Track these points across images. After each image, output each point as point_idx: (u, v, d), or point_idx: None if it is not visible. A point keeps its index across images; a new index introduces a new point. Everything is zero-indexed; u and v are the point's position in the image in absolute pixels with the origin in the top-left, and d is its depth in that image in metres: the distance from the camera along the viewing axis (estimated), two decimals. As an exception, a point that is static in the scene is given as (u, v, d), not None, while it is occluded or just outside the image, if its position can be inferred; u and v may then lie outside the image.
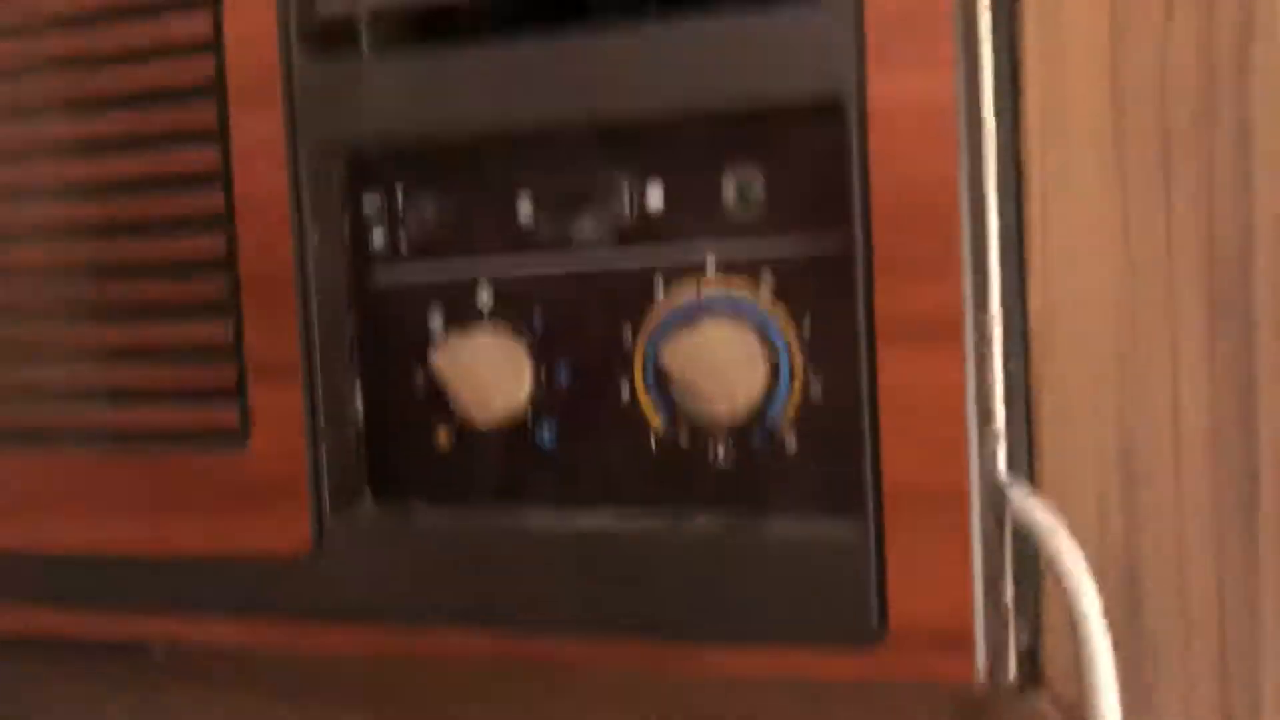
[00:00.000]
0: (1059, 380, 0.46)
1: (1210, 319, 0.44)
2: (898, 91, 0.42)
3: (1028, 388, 0.46)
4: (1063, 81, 0.45)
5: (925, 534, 0.43)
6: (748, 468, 0.47)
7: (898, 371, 0.43)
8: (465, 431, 0.51)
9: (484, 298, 0.51)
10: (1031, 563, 0.47)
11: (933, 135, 0.42)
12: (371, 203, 0.52)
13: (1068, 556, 0.43)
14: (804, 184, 0.45)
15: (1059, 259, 0.46)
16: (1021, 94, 0.45)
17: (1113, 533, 0.46)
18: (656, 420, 0.49)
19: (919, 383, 0.42)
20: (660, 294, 0.48)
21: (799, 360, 0.46)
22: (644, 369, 0.48)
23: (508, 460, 0.51)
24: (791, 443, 0.47)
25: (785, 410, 0.47)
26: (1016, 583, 0.46)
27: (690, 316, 0.47)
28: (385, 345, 0.52)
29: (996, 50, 0.45)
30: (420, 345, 0.52)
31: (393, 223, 0.52)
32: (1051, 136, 0.46)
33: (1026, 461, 0.47)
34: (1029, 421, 0.46)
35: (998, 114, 0.45)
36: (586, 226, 0.49)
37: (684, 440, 0.48)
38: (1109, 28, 0.45)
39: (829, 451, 0.46)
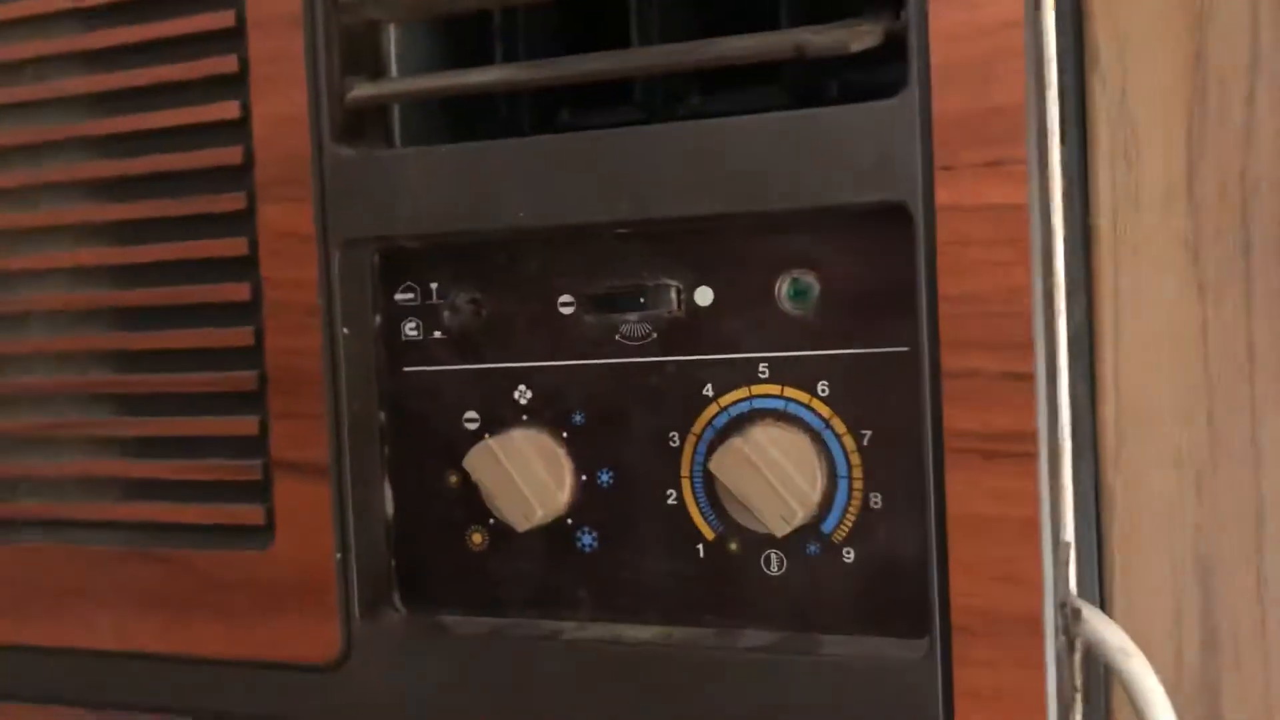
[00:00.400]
0: (1131, 495, 0.44)
1: (1291, 430, 0.42)
2: (968, 195, 0.40)
3: (1097, 503, 0.44)
4: (1136, 184, 0.43)
5: (995, 659, 0.40)
6: (802, 580, 0.45)
7: (967, 489, 0.40)
8: (500, 534, 0.49)
9: (522, 396, 0.48)
10: (1097, 683, 0.44)
11: (1005, 241, 0.40)
12: (405, 297, 0.50)
13: (1145, 683, 0.40)
14: (864, 287, 0.43)
15: (1132, 367, 0.44)
16: (1092, 197, 0.43)
17: (1190, 654, 0.43)
18: (705, 527, 0.46)
19: (989, 501, 0.40)
20: (710, 395, 0.46)
21: (857, 470, 0.44)
22: (691, 474, 0.46)
23: (546, 565, 0.49)
24: (849, 555, 0.44)
25: (842, 521, 0.44)
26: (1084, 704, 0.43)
27: (741, 422, 0.45)
28: (417, 443, 0.50)
29: (1066, 151, 0.43)
30: (454, 444, 0.49)
31: (427, 318, 0.50)
32: (1124, 241, 0.44)
33: (1097, 579, 0.44)
34: (1099, 538, 0.44)
35: (1067, 218, 0.43)
36: (632, 325, 0.47)
37: (734, 548, 0.46)
38: (1185, 127, 0.43)
39: (889, 566, 0.44)
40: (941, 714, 0.41)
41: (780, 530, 0.43)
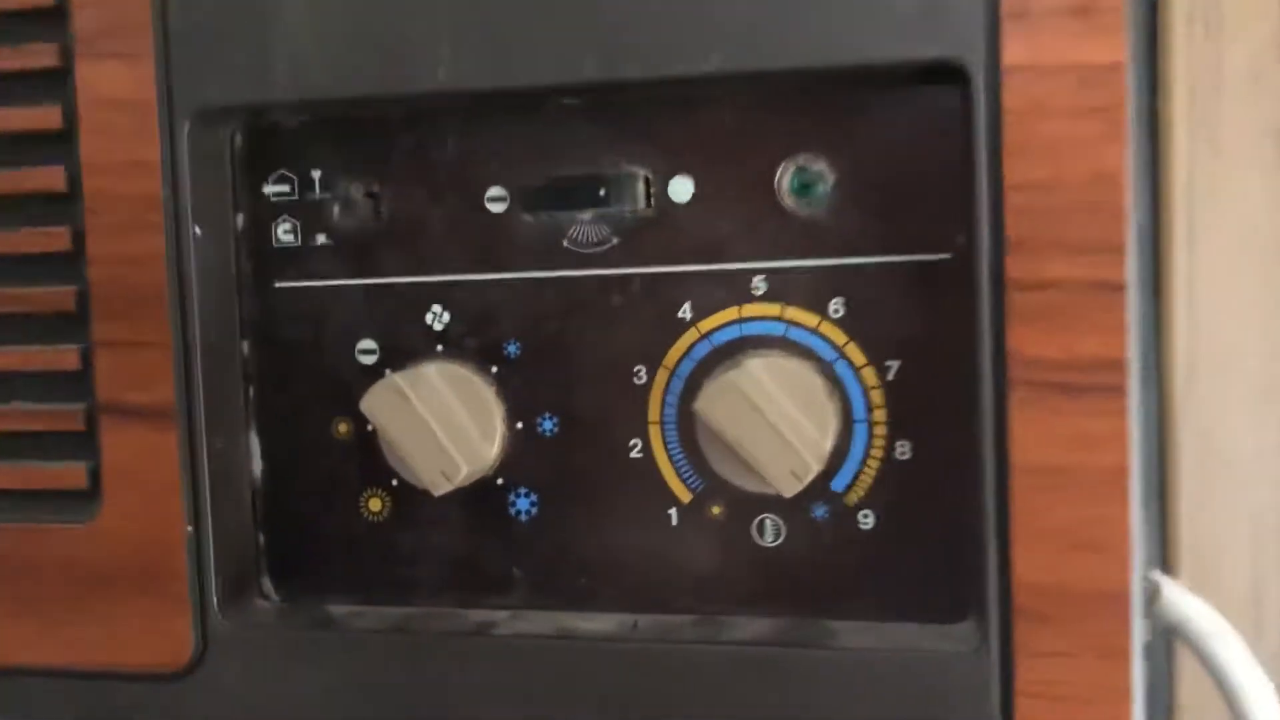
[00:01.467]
0: (1203, 441, 0.36)
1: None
2: (1046, 51, 0.31)
3: (1161, 451, 0.36)
4: (1218, 58, 0.35)
5: (1070, 648, 0.32)
6: (807, 552, 0.35)
7: (1038, 433, 0.31)
8: (407, 499, 0.38)
9: (437, 320, 0.37)
10: (1159, 668, 0.36)
11: (1093, 112, 0.30)
12: (278, 189, 0.38)
13: (1243, 674, 0.32)
14: (894, 177, 0.34)
15: (1207, 284, 0.35)
16: (1162, 74, 0.35)
17: (1273, 633, 0.35)
18: (679, 486, 0.36)
19: (1067, 447, 0.31)
20: (688, 318, 0.35)
21: (880, 411, 0.34)
22: (662, 418, 0.36)
23: (469, 539, 0.38)
24: (866, 519, 0.35)
25: (860, 477, 0.35)
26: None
27: (730, 351, 0.35)
28: (294, 382, 0.39)
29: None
30: (344, 383, 0.38)
31: (307, 217, 0.38)
32: (1200, 129, 0.35)
33: (1159, 544, 0.36)
34: (1162, 493, 0.36)
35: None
36: (585, 227, 0.36)
37: (717, 513, 0.36)
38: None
39: (920, 532, 0.34)
40: (998, 716, 0.32)
41: (790, 489, 0.33)
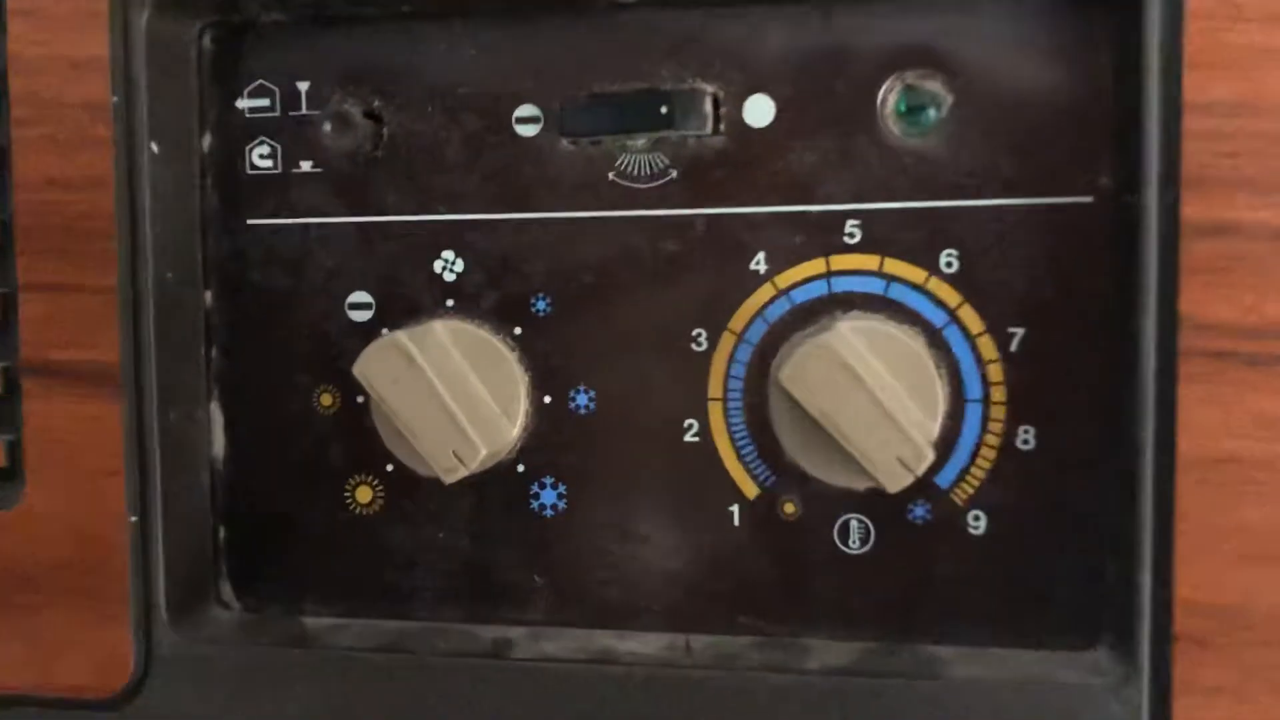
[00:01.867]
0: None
1: None
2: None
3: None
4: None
5: (1242, 685, 0.25)
6: (903, 562, 0.29)
7: (1214, 415, 0.25)
8: (404, 487, 0.31)
9: (449, 269, 0.30)
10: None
11: (1298, 15, 0.24)
12: (256, 103, 0.31)
13: None
14: (1026, 99, 0.27)
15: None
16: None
17: None
18: (744, 478, 0.30)
19: (1252, 433, 0.25)
20: (762, 271, 0.29)
21: (999, 390, 0.28)
22: (726, 394, 0.29)
23: (482, 537, 0.31)
24: (978, 524, 0.28)
25: (971, 470, 0.28)
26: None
27: (814, 313, 0.29)
28: (268, 340, 0.31)
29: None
30: (330, 343, 0.31)
31: (291, 138, 0.31)
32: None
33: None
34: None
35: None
36: (637, 156, 0.29)
37: (790, 512, 0.29)
38: None
39: (1046, 539, 0.28)
40: (1146, 768, 0.26)
41: (896, 483, 0.27)
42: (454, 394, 0.29)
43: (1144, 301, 0.25)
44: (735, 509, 0.30)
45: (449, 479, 0.29)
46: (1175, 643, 0.26)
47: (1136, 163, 0.25)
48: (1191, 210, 0.25)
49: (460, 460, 0.29)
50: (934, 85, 0.28)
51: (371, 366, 0.29)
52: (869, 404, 0.26)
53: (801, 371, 0.27)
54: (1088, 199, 0.27)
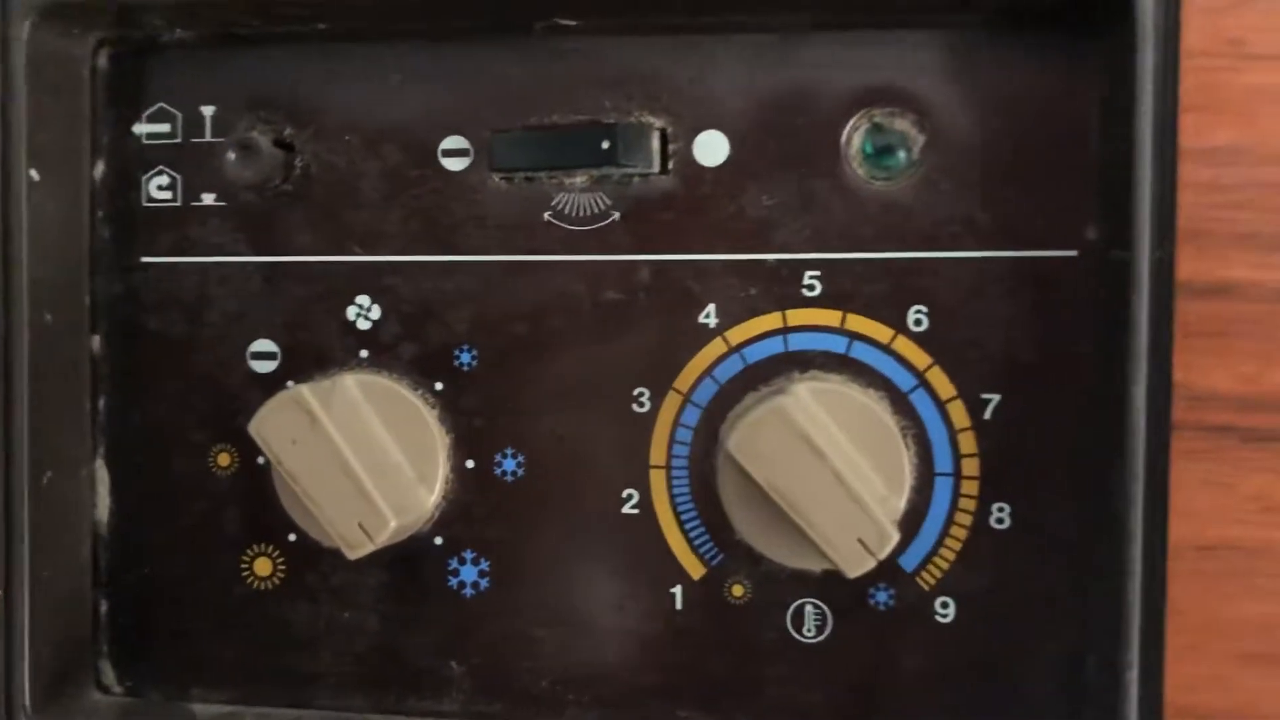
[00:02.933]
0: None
1: None
2: (1240, -31, 0.22)
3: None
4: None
5: (1242, 807, 0.23)
6: (862, 654, 0.26)
7: (1209, 495, 0.22)
8: (307, 561, 0.28)
9: (363, 316, 0.27)
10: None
11: (1304, 56, 0.22)
12: (155, 129, 0.28)
13: None
14: (1007, 141, 0.25)
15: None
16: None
17: None
18: (689, 556, 0.26)
19: (1252, 516, 0.22)
20: (713, 325, 0.26)
21: (972, 463, 0.25)
22: (669, 461, 0.26)
23: (393, 618, 0.28)
24: (947, 610, 0.26)
25: (939, 552, 0.26)
26: None
27: (768, 374, 0.26)
28: (160, 393, 0.28)
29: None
30: (229, 397, 0.28)
31: (191, 167, 0.28)
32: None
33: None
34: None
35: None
36: (576, 195, 0.26)
37: (739, 595, 0.26)
38: None
39: (1020, 630, 0.25)
40: None
41: (856, 567, 0.24)
42: (362, 458, 0.26)
43: (1134, 368, 0.23)
44: (678, 590, 0.26)
45: (353, 555, 0.25)
46: (1167, 754, 0.23)
47: (1127, 214, 0.23)
48: (1187, 268, 0.22)
49: (367, 534, 0.25)
50: (903, 124, 0.25)
51: (269, 425, 0.26)
52: (827, 478, 0.24)
53: (752, 440, 0.24)
54: (1072, 253, 0.25)
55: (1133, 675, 0.23)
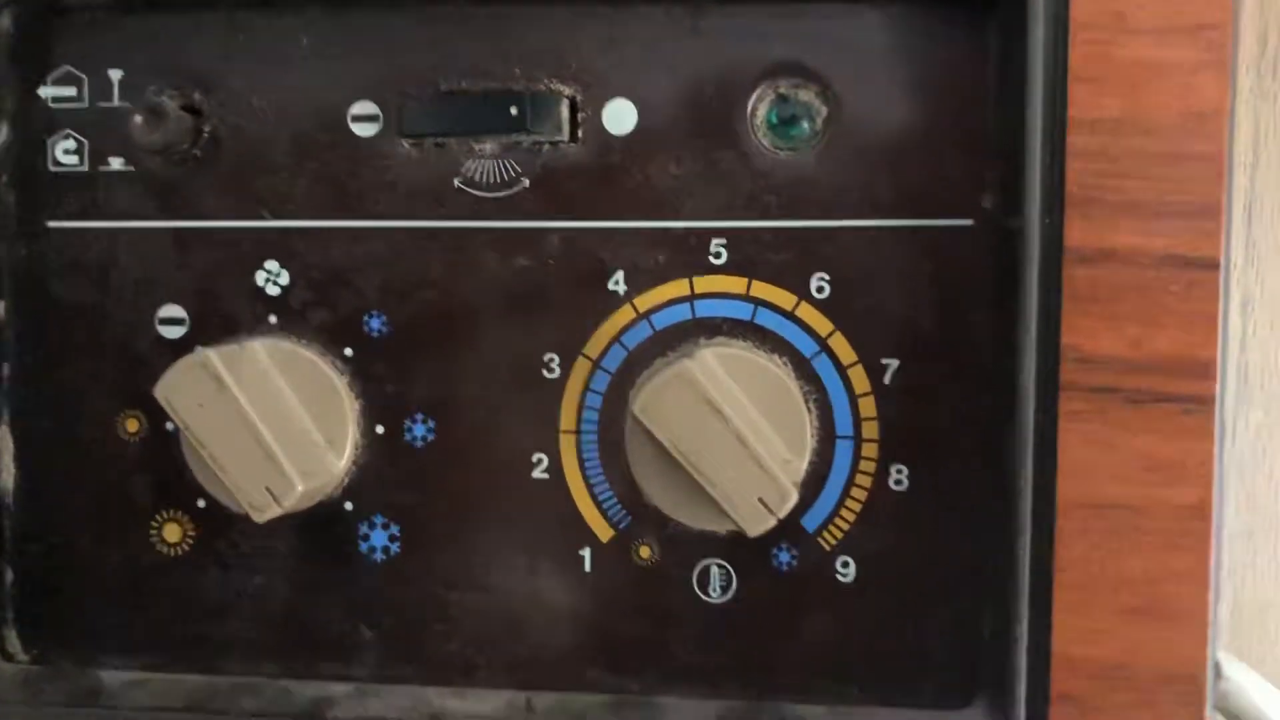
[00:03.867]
0: (1246, 480, 0.28)
1: None
2: None
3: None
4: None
5: (1123, 753, 0.23)
6: (768, 611, 0.26)
7: (1096, 456, 0.23)
8: (217, 527, 0.28)
9: (272, 281, 0.27)
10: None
11: (1189, 31, 0.23)
12: (61, 91, 0.28)
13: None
14: (904, 116, 0.25)
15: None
16: None
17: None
18: (598, 519, 0.27)
19: (1136, 476, 0.23)
20: (621, 292, 0.26)
21: (871, 426, 0.26)
22: (580, 425, 0.27)
23: (302, 583, 0.28)
24: (848, 570, 0.26)
25: (840, 513, 0.26)
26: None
27: (676, 339, 0.26)
28: (66, 358, 0.28)
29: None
30: (136, 362, 0.28)
31: (98, 132, 0.28)
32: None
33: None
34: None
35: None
36: (484, 162, 0.27)
37: (646, 557, 0.27)
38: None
39: (918, 588, 0.26)
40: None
41: (757, 525, 0.24)
42: (269, 422, 0.26)
43: (1024, 332, 0.23)
44: (587, 553, 0.27)
45: (260, 517, 0.25)
46: (1052, 704, 0.24)
47: (1019, 183, 0.23)
48: (1075, 235, 0.23)
49: (274, 498, 0.25)
50: (807, 96, 0.26)
51: (175, 388, 0.25)
52: (729, 439, 0.24)
53: (657, 402, 0.24)
54: (969, 222, 0.25)
55: (1023, 629, 0.24)
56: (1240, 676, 0.26)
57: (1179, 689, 0.23)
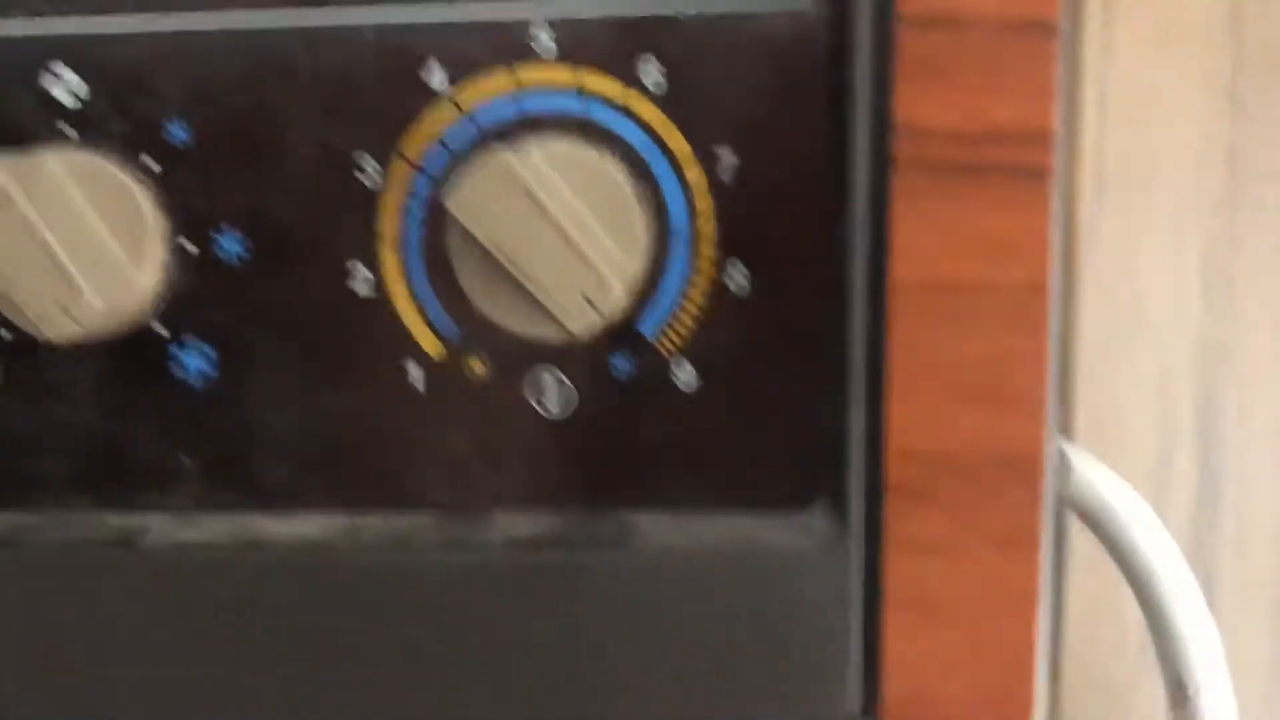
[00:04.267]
0: (1106, 290, 0.28)
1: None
2: None
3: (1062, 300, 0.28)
4: None
5: (959, 538, 0.23)
6: (606, 421, 0.25)
7: (931, 235, 0.22)
8: (17, 354, 0.26)
9: (64, 89, 0.25)
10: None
11: None
12: None
13: (1158, 555, 0.25)
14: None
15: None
16: None
17: (1179, 505, 0.28)
18: (425, 334, 0.25)
19: (973, 253, 0.22)
20: (436, 85, 0.25)
21: (708, 221, 0.25)
22: (403, 236, 0.25)
23: (113, 412, 0.26)
24: (688, 375, 0.25)
25: (677, 317, 0.25)
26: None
27: (503, 133, 0.25)
28: None
29: None
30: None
31: None
32: None
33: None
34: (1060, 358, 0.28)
35: None
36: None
37: (479, 371, 0.25)
38: None
39: (764, 394, 0.25)
40: (857, 646, 0.23)
41: (582, 323, 0.23)
42: (64, 238, 0.24)
43: (855, 107, 0.22)
44: (415, 369, 0.25)
45: (54, 334, 0.24)
46: (888, 495, 0.23)
47: (846, -53, 0.22)
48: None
49: (68, 314, 0.24)
50: None
51: (-41, 201, 0.23)
52: (550, 233, 0.23)
53: (474, 197, 0.23)
54: (805, 5, 0.24)
55: (857, 421, 0.23)
56: (1088, 468, 0.25)
57: (1016, 472, 0.23)
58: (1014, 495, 0.23)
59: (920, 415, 0.23)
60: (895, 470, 0.23)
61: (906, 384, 0.23)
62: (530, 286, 0.23)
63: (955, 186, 0.22)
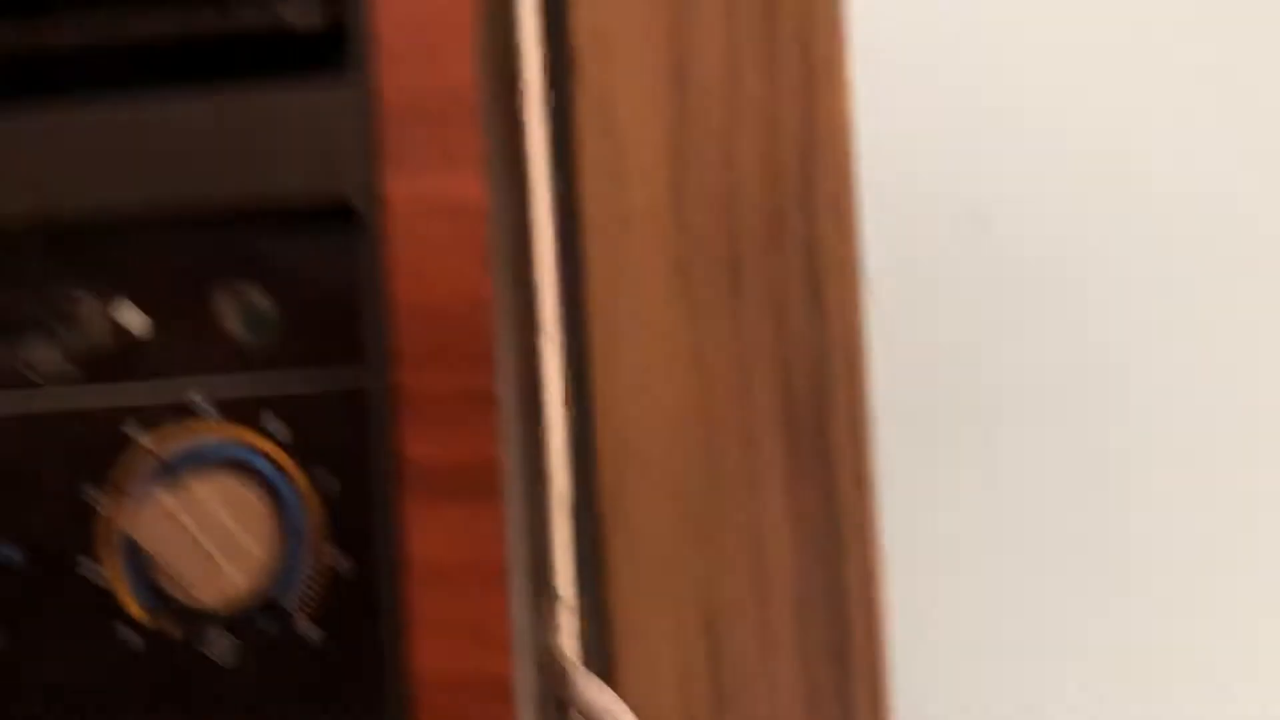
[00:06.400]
0: (634, 548, 0.39)
1: (791, 469, 0.39)
2: (421, 191, 0.35)
3: (601, 557, 0.39)
4: (624, 195, 0.40)
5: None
6: (259, 667, 0.37)
7: (428, 532, 0.34)
8: None
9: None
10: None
11: (462, 246, 0.35)
12: None
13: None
14: (320, 301, 0.37)
15: (625, 397, 0.39)
16: (580, 206, 0.40)
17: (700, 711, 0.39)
18: (136, 608, 0.37)
19: (455, 547, 0.34)
20: (139, 441, 0.37)
21: (317, 525, 0.37)
22: (118, 541, 0.37)
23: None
24: (312, 631, 0.37)
25: (301, 590, 0.37)
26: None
27: (174, 472, 0.37)
28: None
29: (553, 162, 0.39)
30: None
31: None
32: (614, 260, 0.40)
33: (604, 640, 0.39)
34: (604, 596, 0.39)
35: (561, 236, 0.38)
36: (40, 354, 0.38)
37: (175, 632, 0.37)
38: (668, 144, 0.40)
39: (361, 639, 0.36)
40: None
41: (226, 606, 0.35)
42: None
43: (381, 448, 0.35)
44: (132, 632, 0.37)
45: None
46: (423, 707, 0.34)
47: (374, 347, 0.35)
48: (406, 378, 0.34)
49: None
50: (256, 294, 0.37)
51: None
52: (193, 545, 0.35)
53: (139, 521, 0.35)
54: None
55: (389, 655, 0.34)
56: (581, 678, 0.36)
57: (494, 689, 0.34)
58: (494, 702, 0.34)
59: (440, 652, 0.34)
60: (421, 687, 0.34)
61: (423, 637, 0.34)
62: (185, 582, 0.35)
63: (440, 501, 0.34)
